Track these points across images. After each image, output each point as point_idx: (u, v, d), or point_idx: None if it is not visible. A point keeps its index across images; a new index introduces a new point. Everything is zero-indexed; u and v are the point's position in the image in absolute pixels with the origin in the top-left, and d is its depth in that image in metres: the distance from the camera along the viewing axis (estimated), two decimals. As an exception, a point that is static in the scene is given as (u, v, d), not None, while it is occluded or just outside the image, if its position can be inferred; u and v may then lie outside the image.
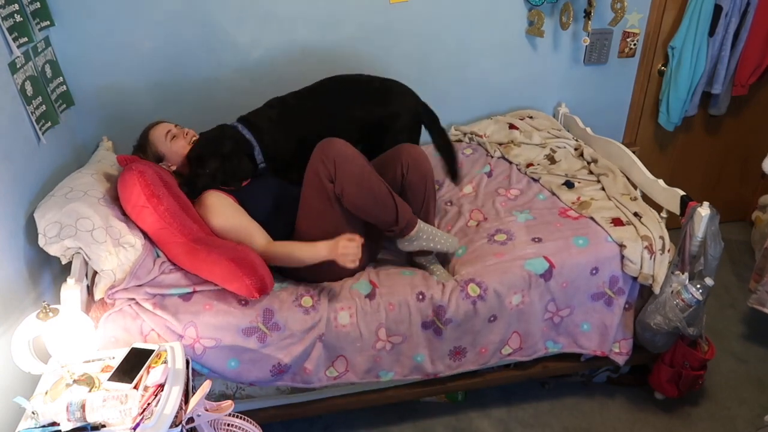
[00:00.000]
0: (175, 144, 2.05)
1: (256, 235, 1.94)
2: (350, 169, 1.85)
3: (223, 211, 1.97)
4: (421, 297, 1.89)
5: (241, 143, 2.09)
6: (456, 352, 1.98)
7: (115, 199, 1.88)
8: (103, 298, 1.76)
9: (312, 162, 1.91)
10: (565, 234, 2.03)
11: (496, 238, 2.06)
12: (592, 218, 2.08)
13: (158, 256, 1.89)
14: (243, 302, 1.83)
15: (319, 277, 1.98)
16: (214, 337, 1.79)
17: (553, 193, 2.27)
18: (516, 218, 2.14)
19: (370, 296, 1.90)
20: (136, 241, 1.82)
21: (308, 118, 2.18)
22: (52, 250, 1.68)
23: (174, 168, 2.08)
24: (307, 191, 1.95)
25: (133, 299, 1.77)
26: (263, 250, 1.90)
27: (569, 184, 2.31)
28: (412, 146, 2.08)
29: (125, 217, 1.85)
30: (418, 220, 1.97)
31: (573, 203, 2.19)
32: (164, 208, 1.80)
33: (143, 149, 2.08)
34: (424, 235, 1.96)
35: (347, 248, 1.79)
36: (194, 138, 2.08)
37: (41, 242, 1.67)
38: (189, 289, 1.83)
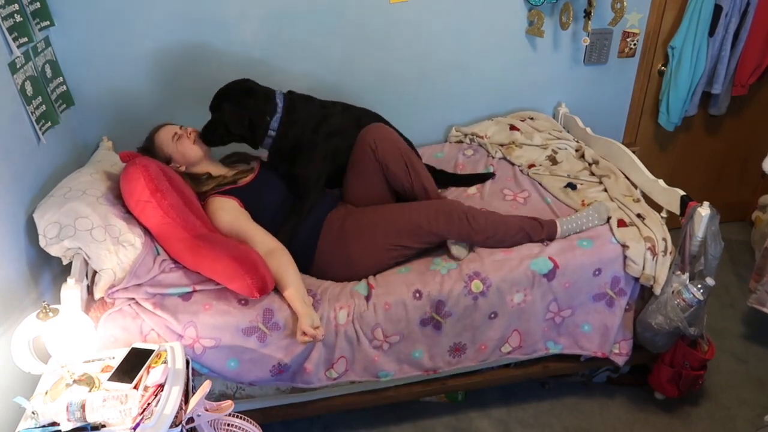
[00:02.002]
0: (181, 145, 2.07)
1: (258, 241, 1.92)
2: (479, 230, 1.96)
3: (225, 213, 1.97)
4: (417, 295, 1.89)
5: (258, 96, 2.11)
6: (456, 348, 1.98)
7: (115, 197, 1.88)
8: (102, 298, 1.75)
9: (436, 220, 1.96)
10: (571, 235, 2.04)
11: None
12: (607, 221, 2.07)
13: (158, 254, 1.89)
14: (243, 302, 1.82)
15: (332, 274, 2.03)
16: (213, 337, 1.79)
17: (557, 198, 2.27)
18: None
19: (367, 297, 1.90)
20: (136, 239, 1.81)
21: (340, 127, 2.21)
22: (53, 251, 1.69)
23: (183, 169, 2.08)
24: (410, 225, 1.98)
25: (133, 299, 1.77)
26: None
27: (572, 186, 2.31)
28: (373, 126, 2.15)
29: (125, 215, 1.85)
30: (557, 223, 2.03)
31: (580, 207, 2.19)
32: (168, 203, 1.80)
33: (150, 152, 2.08)
34: (572, 232, 2.04)
35: (307, 336, 1.76)
36: (197, 136, 2.11)
37: (42, 243, 1.67)
38: (189, 288, 1.83)
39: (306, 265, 2.04)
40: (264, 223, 2.00)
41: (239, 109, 2.08)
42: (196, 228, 1.84)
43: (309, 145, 2.14)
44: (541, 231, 2.02)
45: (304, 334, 1.75)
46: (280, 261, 1.87)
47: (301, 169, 2.13)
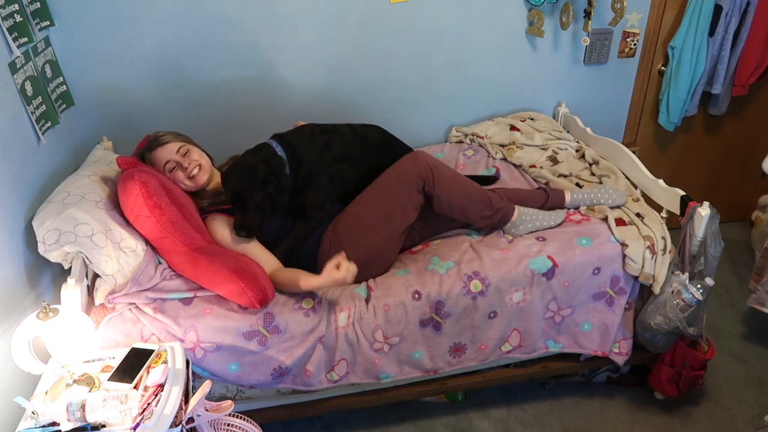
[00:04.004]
0: (174, 177, 1.98)
1: (259, 260, 1.90)
2: (445, 171, 1.98)
3: (226, 234, 1.94)
4: (417, 296, 1.89)
5: (272, 161, 1.96)
6: (456, 348, 1.98)
7: (115, 202, 1.86)
8: (103, 303, 1.75)
9: (405, 167, 1.97)
10: (570, 234, 2.03)
11: (505, 234, 2.08)
12: (604, 219, 2.07)
13: (160, 263, 1.88)
14: (243, 306, 1.82)
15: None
16: (214, 341, 1.78)
17: None
18: None
19: (367, 300, 1.90)
20: (137, 245, 1.81)
21: (347, 152, 2.13)
22: (53, 257, 1.67)
23: None
24: (386, 190, 1.98)
25: (134, 303, 1.77)
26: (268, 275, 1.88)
27: (577, 186, 2.30)
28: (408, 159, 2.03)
29: (126, 220, 1.83)
30: (516, 206, 2.03)
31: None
32: (166, 219, 1.78)
33: (144, 161, 2.02)
34: (527, 218, 2.04)
35: (342, 276, 1.72)
36: (194, 171, 1.98)
37: (41, 250, 1.66)
38: (190, 294, 1.83)
39: (311, 271, 2.03)
40: (264, 242, 1.98)
41: (276, 181, 1.94)
42: (195, 241, 1.83)
43: (315, 174, 2.07)
44: (498, 199, 2.03)
45: (338, 268, 1.73)
46: (288, 270, 1.87)
47: (310, 197, 2.05)
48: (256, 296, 1.74)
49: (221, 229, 1.95)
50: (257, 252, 1.93)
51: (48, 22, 2.14)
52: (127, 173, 1.82)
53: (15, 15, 1.84)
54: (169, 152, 1.99)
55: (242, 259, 1.81)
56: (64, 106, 2.22)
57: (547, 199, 2.17)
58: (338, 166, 2.10)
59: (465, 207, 2.01)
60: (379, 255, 2.00)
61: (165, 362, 1.50)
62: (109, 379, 1.44)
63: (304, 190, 2.05)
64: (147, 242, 1.86)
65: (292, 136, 2.09)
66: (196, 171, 1.99)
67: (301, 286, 1.83)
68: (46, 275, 1.86)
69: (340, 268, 1.73)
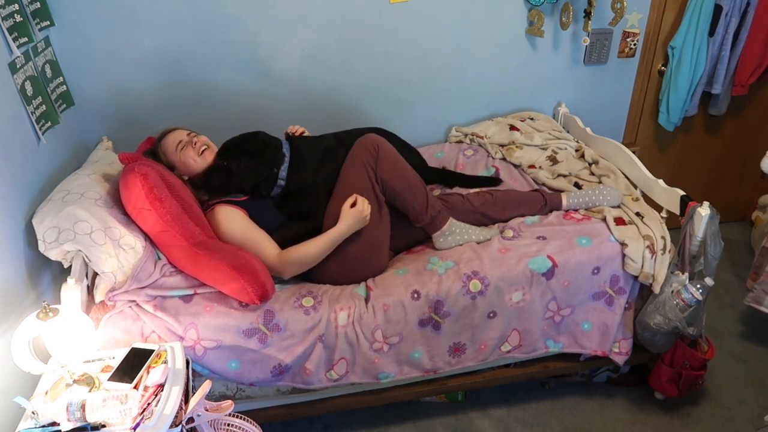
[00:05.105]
0: (184, 154, 2.01)
1: (266, 246, 1.92)
2: (389, 152, 2.03)
3: (232, 224, 1.95)
4: (416, 296, 1.89)
5: (271, 148, 2.05)
6: (455, 348, 1.98)
7: (115, 199, 1.87)
8: (103, 300, 1.75)
9: (355, 151, 2.04)
10: (570, 233, 2.03)
11: (504, 234, 2.08)
12: (603, 219, 2.07)
13: (159, 258, 1.88)
14: (243, 303, 1.82)
15: (352, 276, 2.01)
16: (214, 339, 1.79)
17: None
18: (524, 220, 2.16)
19: (367, 299, 1.90)
20: (137, 242, 1.81)
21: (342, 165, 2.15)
22: (53, 255, 1.68)
23: (186, 177, 2.05)
24: (348, 179, 2.03)
25: (134, 301, 1.77)
26: (275, 261, 1.90)
27: (577, 186, 2.31)
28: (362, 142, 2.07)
29: (125, 218, 1.84)
30: (451, 217, 2.05)
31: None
32: (166, 211, 1.78)
33: (156, 156, 2.05)
34: (457, 230, 2.05)
35: (360, 209, 1.92)
36: (204, 148, 2.03)
37: (41, 248, 1.67)
38: (190, 291, 1.83)
39: (306, 276, 2.03)
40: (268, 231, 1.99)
41: (255, 164, 2.01)
42: (195, 236, 1.83)
43: (310, 183, 2.09)
44: (437, 202, 2.07)
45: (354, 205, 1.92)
46: (295, 247, 1.92)
47: (306, 204, 2.08)
48: (256, 292, 1.74)
49: (226, 221, 1.96)
50: (264, 238, 1.94)
51: (48, 22, 2.14)
52: (128, 168, 1.83)
53: (15, 15, 1.84)
54: (179, 134, 2.06)
55: (242, 255, 1.81)
56: (64, 106, 2.22)
57: (545, 202, 2.17)
58: (332, 177, 2.11)
59: (403, 194, 2.02)
60: (368, 248, 2.00)
61: (165, 362, 1.50)
62: (109, 379, 1.44)
63: (298, 197, 2.07)
64: (146, 238, 1.87)
65: (299, 140, 2.18)
66: (204, 149, 2.04)
67: (328, 242, 1.91)
68: (46, 275, 1.86)
69: (355, 205, 1.92)
